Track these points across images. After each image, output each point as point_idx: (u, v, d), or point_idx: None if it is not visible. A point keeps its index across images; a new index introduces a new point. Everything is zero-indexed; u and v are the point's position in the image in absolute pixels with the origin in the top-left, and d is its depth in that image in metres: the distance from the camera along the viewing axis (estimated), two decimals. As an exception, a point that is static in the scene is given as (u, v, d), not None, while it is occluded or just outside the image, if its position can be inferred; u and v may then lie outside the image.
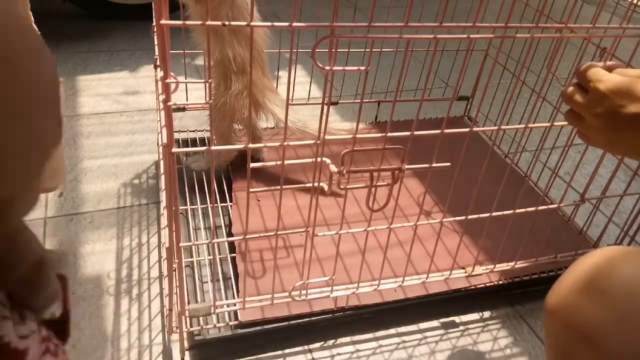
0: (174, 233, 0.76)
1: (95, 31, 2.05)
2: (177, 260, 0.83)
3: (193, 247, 1.12)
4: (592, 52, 1.10)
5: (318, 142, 0.71)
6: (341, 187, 0.76)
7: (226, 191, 1.23)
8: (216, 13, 1.06)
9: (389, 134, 0.75)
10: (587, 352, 0.58)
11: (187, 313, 0.86)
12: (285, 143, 0.71)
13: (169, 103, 0.63)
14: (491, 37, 0.75)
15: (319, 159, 0.73)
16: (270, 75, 1.22)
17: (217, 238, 1.18)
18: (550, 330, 0.62)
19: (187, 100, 1.32)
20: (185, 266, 1.06)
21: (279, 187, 0.74)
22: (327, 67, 0.65)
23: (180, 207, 1.18)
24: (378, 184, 0.77)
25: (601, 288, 0.58)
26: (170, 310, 0.87)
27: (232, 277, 1.06)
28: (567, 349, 0.60)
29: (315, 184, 0.74)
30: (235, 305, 0.94)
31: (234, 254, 1.09)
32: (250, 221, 1.16)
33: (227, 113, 1.16)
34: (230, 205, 1.21)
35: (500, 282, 1.09)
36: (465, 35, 0.71)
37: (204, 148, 0.72)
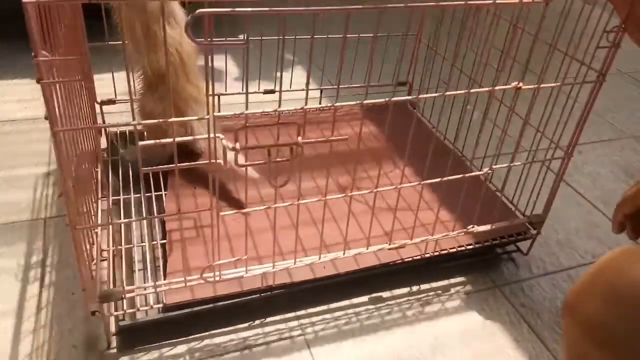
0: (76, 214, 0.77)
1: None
2: (96, 244, 0.84)
3: (133, 236, 1.13)
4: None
5: (207, 117, 0.72)
6: (239, 163, 0.77)
7: (161, 180, 1.24)
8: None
9: (281, 111, 0.76)
10: (601, 355, 0.57)
11: (97, 299, 0.87)
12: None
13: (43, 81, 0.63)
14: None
15: (212, 135, 0.74)
16: (200, 82, 1.20)
17: (151, 225, 1.19)
18: (566, 329, 0.62)
19: (115, 95, 1.33)
20: (114, 255, 1.07)
21: (173, 165, 0.75)
22: (205, 42, 0.66)
23: (114, 197, 1.20)
24: (277, 159, 0.79)
25: (618, 291, 0.57)
26: (85, 291, 0.87)
27: (162, 262, 1.07)
28: (582, 351, 0.60)
29: (212, 161, 0.76)
30: (147, 289, 0.94)
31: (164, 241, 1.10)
32: (184, 206, 1.17)
33: (156, 117, 1.14)
34: (165, 194, 1.22)
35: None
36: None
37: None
